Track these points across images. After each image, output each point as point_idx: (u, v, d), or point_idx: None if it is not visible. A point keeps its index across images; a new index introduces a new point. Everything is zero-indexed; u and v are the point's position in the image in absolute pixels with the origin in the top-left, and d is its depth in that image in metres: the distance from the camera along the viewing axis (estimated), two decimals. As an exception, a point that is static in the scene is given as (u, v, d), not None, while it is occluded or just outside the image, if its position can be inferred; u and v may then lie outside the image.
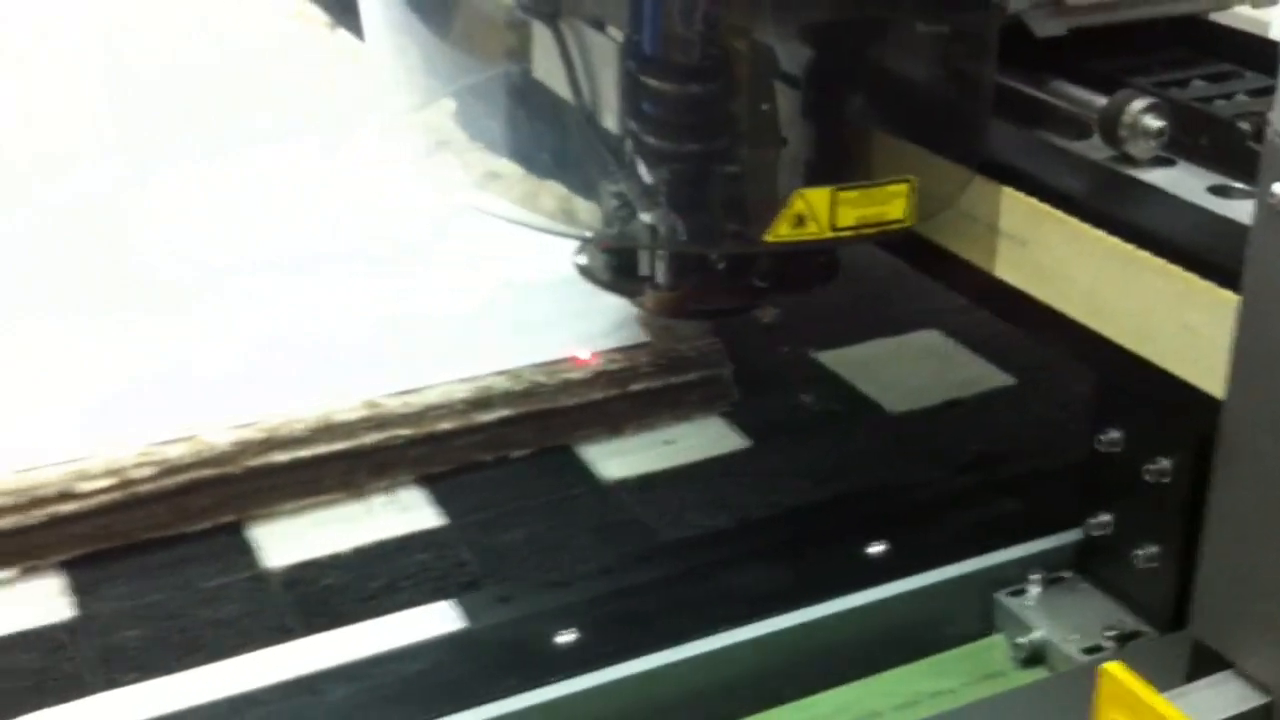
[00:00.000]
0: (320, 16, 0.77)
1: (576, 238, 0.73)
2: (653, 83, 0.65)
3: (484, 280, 0.78)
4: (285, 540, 0.73)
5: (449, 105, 0.71)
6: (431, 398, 0.77)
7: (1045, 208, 0.63)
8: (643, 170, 0.67)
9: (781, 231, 0.65)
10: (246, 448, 0.73)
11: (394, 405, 0.76)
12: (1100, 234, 0.60)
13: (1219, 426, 0.53)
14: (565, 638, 0.65)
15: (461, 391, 0.77)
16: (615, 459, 0.80)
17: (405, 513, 0.75)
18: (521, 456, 0.80)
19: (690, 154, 0.67)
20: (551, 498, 0.78)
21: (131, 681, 0.64)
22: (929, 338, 0.92)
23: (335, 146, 0.60)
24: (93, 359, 0.68)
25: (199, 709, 0.61)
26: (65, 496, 0.71)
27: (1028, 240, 0.64)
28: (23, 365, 0.70)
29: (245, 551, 0.73)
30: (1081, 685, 0.54)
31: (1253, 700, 0.53)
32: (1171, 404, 0.59)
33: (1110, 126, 0.63)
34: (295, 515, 0.75)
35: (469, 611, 0.67)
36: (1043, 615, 0.66)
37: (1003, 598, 0.67)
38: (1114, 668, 0.51)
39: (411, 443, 0.77)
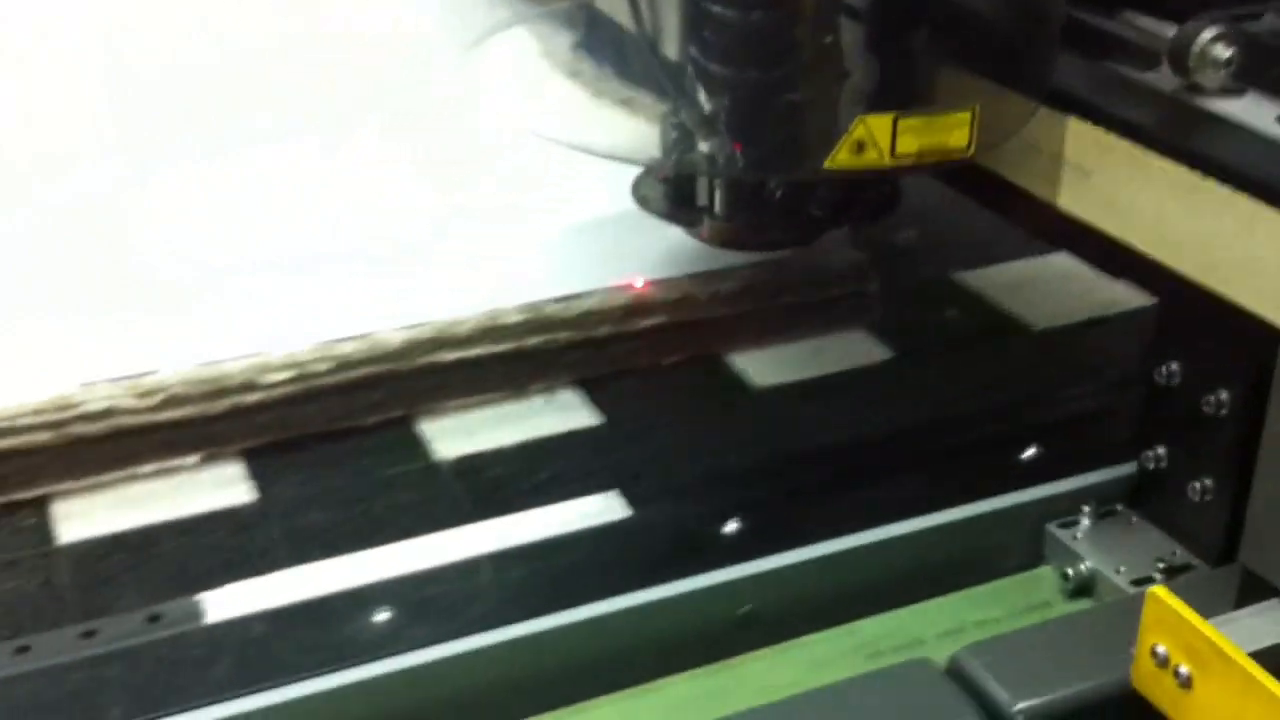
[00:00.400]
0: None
1: (640, 163, 0.73)
2: (717, 8, 0.65)
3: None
4: (453, 435, 0.74)
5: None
6: (590, 304, 0.78)
7: (1112, 138, 0.62)
8: (704, 96, 0.67)
9: (841, 158, 0.65)
10: (416, 346, 0.75)
11: (555, 310, 0.78)
12: (1167, 163, 0.60)
13: (1280, 356, 0.53)
14: (725, 528, 0.66)
15: (619, 299, 0.79)
16: (764, 367, 0.81)
17: (565, 412, 0.77)
18: (673, 363, 0.81)
19: (752, 80, 0.66)
20: (705, 402, 0.79)
21: (319, 558, 0.65)
22: (1062, 260, 0.90)
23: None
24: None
25: (386, 583, 0.63)
26: (248, 387, 0.72)
27: (1093, 171, 0.63)
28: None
29: (416, 444, 0.74)
30: (1129, 614, 0.54)
31: (1299, 627, 0.53)
32: (1233, 334, 0.58)
33: (1179, 56, 0.62)
34: (461, 412, 0.76)
35: (632, 501, 0.69)
36: (1092, 547, 0.65)
37: (1053, 529, 0.66)
38: (1160, 591, 0.51)
39: (570, 346, 0.78)
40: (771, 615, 0.62)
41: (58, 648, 0.59)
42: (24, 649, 0.59)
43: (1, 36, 0.66)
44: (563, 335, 0.78)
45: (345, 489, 0.71)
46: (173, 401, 0.71)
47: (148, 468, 0.72)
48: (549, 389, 0.78)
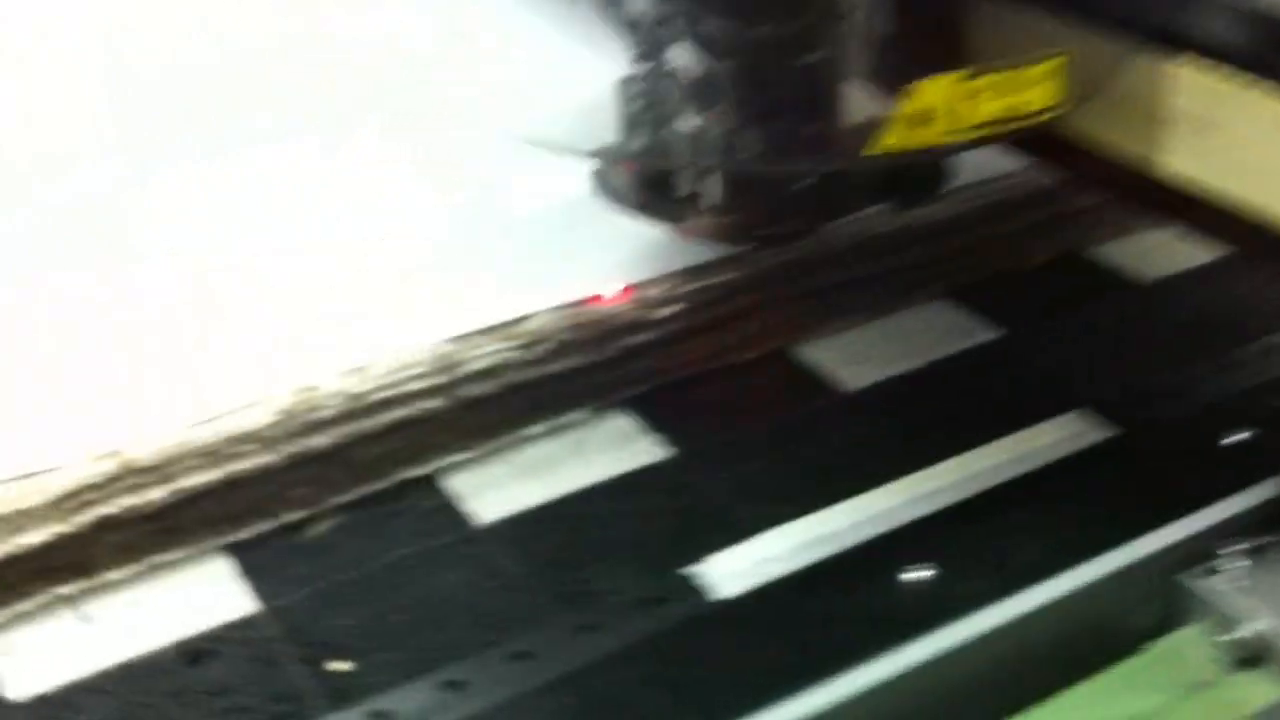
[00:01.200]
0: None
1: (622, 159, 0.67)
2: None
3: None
4: (858, 365, 0.71)
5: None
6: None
7: (1236, 85, 0.55)
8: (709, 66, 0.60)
9: (895, 138, 0.58)
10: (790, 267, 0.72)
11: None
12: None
13: None
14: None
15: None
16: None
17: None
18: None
19: (764, 40, 0.60)
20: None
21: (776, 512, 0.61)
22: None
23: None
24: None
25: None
26: (637, 326, 0.68)
27: (1212, 123, 0.56)
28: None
29: (810, 375, 0.71)
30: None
31: None
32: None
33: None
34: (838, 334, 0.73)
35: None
36: (1252, 598, 0.53)
37: (1189, 580, 0.56)
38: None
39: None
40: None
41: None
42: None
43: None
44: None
45: (767, 436, 0.67)
46: (563, 350, 0.66)
47: (538, 427, 0.66)
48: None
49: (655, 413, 0.68)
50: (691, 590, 0.58)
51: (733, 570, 0.59)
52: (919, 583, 0.58)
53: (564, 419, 0.68)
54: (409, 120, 0.59)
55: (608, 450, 0.67)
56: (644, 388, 0.69)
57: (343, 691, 0.54)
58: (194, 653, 0.56)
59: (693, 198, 0.64)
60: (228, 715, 0.54)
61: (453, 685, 0.54)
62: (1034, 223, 0.79)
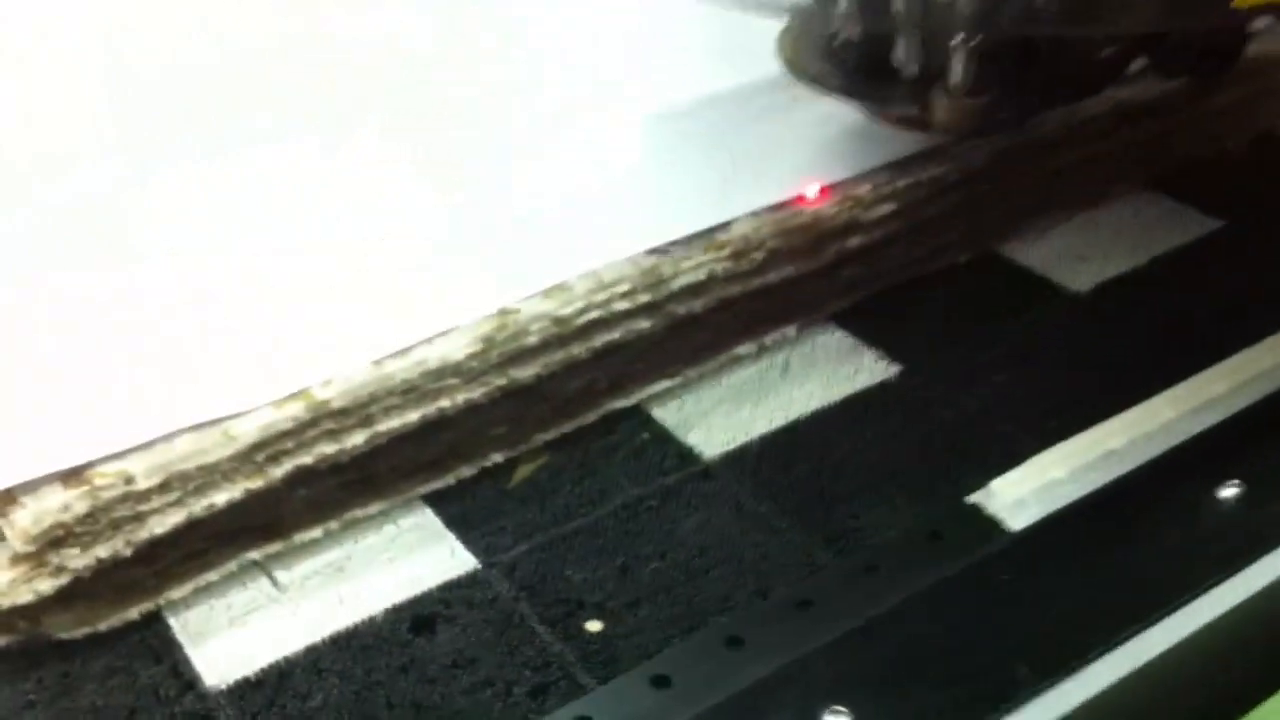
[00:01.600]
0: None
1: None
2: None
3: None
4: (1076, 264, 0.65)
5: None
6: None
7: None
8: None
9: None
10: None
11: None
12: None
13: None
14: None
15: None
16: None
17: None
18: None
19: None
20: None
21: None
22: None
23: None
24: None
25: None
26: (851, 229, 0.60)
27: None
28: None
29: (1028, 276, 0.65)
30: None
31: None
32: None
33: None
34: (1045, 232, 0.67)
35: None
36: None
37: None
38: None
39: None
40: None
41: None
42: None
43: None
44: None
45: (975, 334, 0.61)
46: (773, 259, 0.59)
47: (748, 347, 0.60)
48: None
49: (870, 326, 0.61)
50: (975, 523, 0.51)
51: (1016, 498, 0.52)
52: (1229, 501, 0.51)
53: (774, 336, 0.60)
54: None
55: (828, 370, 0.59)
56: (857, 297, 0.62)
57: (607, 654, 0.47)
58: (419, 620, 0.49)
59: (924, 78, 0.57)
60: (480, 690, 0.46)
61: (732, 642, 0.47)
62: (1236, 99, 0.72)
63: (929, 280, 0.64)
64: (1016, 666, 0.45)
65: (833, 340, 0.61)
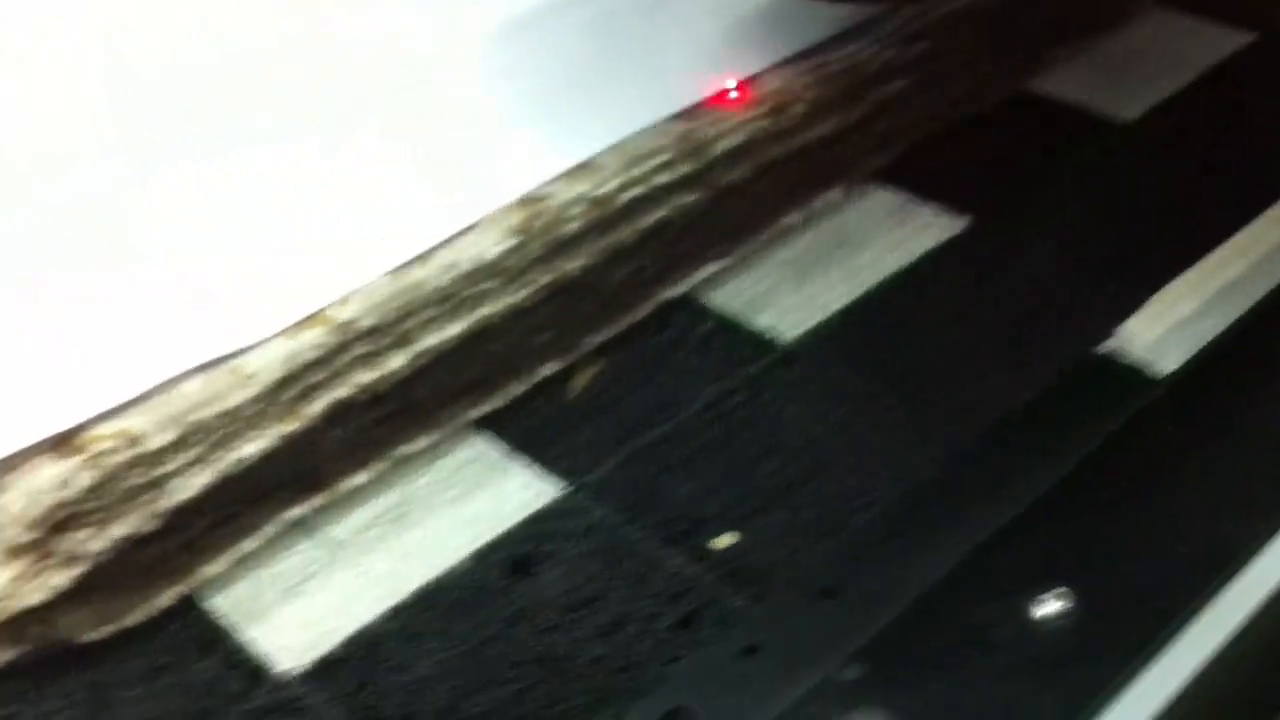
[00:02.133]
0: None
1: None
2: None
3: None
4: (1116, 91, 0.59)
5: None
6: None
7: None
8: None
9: None
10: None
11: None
12: None
13: None
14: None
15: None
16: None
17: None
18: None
19: None
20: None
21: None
22: None
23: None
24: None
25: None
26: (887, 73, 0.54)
27: None
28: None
29: (1070, 110, 0.58)
30: None
31: None
32: None
33: None
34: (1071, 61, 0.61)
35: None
36: None
37: None
38: None
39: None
40: None
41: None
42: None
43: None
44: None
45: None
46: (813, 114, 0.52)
47: (795, 216, 0.53)
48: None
49: (919, 180, 0.55)
50: (1118, 373, 0.45)
51: (1154, 339, 0.46)
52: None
53: (821, 201, 0.53)
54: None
55: (888, 231, 0.53)
56: (895, 152, 0.55)
57: (749, 571, 0.40)
58: (514, 561, 0.41)
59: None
60: (615, 632, 0.39)
61: (893, 537, 0.40)
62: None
63: (965, 127, 0.57)
64: (1223, 525, 0.40)
65: (883, 199, 0.54)
